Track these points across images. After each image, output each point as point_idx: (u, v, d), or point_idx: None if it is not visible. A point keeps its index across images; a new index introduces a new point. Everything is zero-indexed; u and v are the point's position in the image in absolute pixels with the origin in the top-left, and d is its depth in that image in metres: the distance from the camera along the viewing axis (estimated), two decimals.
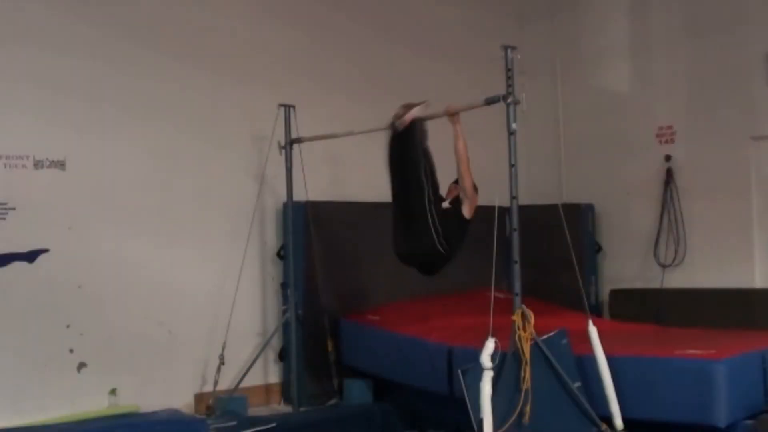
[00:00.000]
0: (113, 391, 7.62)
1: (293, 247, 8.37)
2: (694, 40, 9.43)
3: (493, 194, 6.20)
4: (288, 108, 8.23)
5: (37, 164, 7.39)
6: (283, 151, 8.21)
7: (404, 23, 9.87)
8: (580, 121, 10.46)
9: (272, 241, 8.73)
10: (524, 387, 5.89)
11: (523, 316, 6.05)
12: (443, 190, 6.88)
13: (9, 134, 7.26)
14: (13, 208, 7.23)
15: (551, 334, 6.28)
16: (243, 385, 8.13)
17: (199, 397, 8.11)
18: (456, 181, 6.80)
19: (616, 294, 9.78)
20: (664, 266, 9.45)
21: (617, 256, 10.01)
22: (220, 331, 8.02)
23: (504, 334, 6.03)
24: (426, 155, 6.69)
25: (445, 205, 6.72)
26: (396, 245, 6.80)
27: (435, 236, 6.51)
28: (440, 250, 6.54)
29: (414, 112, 6.70)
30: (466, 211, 6.65)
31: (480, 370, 5.83)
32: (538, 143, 10.34)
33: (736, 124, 9.03)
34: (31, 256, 7.29)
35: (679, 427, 6.06)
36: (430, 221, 6.51)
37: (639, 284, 9.68)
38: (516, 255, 6.22)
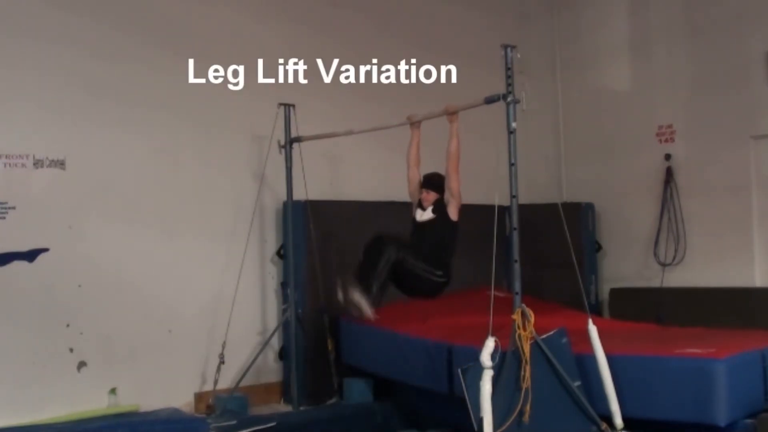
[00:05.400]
0: (113, 391, 7.63)
1: (293, 246, 8.37)
2: (695, 39, 9.43)
3: (493, 193, 6.19)
4: (288, 107, 8.23)
5: (37, 163, 7.40)
6: (283, 150, 8.21)
7: (404, 22, 9.87)
8: (580, 120, 10.47)
9: (272, 240, 8.73)
10: (524, 386, 5.89)
11: (523, 315, 6.04)
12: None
13: (9, 133, 7.27)
14: (13, 208, 7.24)
15: (551, 333, 6.27)
16: (243, 384, 8.13)
17: (199, 397, 8.12)
18: (426, 185, 6.71)
19: (616, 293, 9.79)
20: (663, 265, 9.45)
21: (617, 255, 10.01)
22: (220, 330, 8.02)
23: (504, 333, 6.02)
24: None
25: (428, 215, 6.65)
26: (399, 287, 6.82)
27: (431, 276, 6.53)
28: (439, 281, 6.55)
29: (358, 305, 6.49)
30: (453, 213, 6.61)
31: (480, 369, 5.82)
32: (538, 142, 10.35)
33: (736, 123, 9.03)
34: (31, 256, 7.30)
35: (679, 426, 6.05)
36: (421, 273, 6.52)
37: (639, 283, 9.68)
38: (516, 254, 6.22)
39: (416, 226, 6.77)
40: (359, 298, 6.44)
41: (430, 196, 6.69)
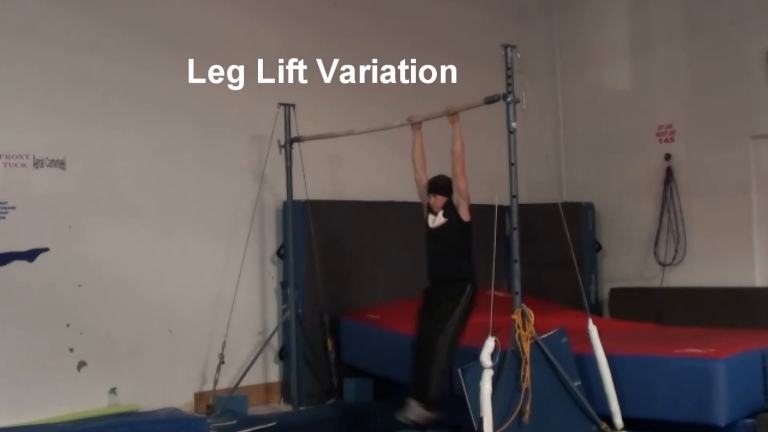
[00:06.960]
0: (113, 390, 7.62)
1: (293, 246, 8.37)
2: (695, 38, 9.43)
3: (493, 193, 6.19)
4: (288, 107, 8.23)
5: (37, 163, 7.39)
6: (283, 150, 8.21)
7: (404, 22, 9.87)
8: (580, 120, 10.47)
9: (272, 240, 8.73)
10: (524, 386, 5.90)
11: (523, 315, 6.05)
12: None
13: (9, 133, 7.26)
14: (13, 207, 7.23)
15: (551, 332, 6.28)
16: (243, 384, 8.12)
17: (199, 396, 8.11)
18: (433, 190, 6.71)
19: (616, 293, 9.79)
20: (664, 265, 9.45)
21: (617, 255, 10.01)
22: (220, 330, 8.02)
23: (504, 332, 6.04)
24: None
25: (440, 219, 6.65)
26: None
27: (467, 287, 6.54)
28: (473, 294, 6.56)
29: None
30: (464, 214, 6.60)
31: (480, 368, 5.83)
32: (538, 142, 10.34)
33: (736, 122, 9.03)
34: (30, 255, 7.29)
35: (679, 426, 6.06)
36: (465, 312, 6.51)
37: (639, 283, 9.68)
38: (516, 254, 6.23)
39: (430, 232, 6.73)
40: (416, 416, 6.44)
41: (439, 201, 6.66)
